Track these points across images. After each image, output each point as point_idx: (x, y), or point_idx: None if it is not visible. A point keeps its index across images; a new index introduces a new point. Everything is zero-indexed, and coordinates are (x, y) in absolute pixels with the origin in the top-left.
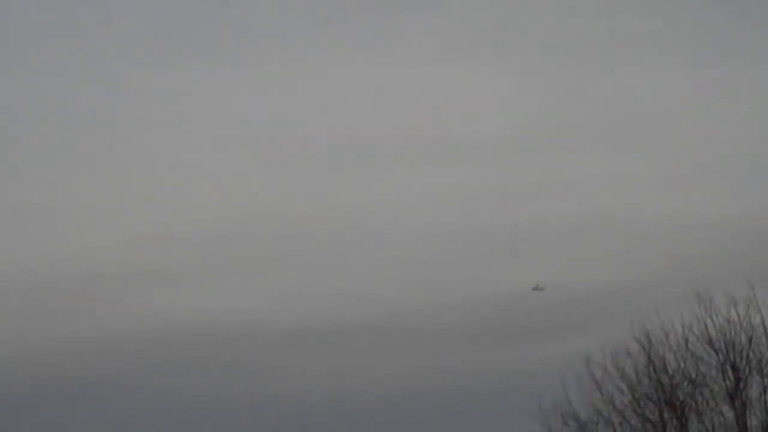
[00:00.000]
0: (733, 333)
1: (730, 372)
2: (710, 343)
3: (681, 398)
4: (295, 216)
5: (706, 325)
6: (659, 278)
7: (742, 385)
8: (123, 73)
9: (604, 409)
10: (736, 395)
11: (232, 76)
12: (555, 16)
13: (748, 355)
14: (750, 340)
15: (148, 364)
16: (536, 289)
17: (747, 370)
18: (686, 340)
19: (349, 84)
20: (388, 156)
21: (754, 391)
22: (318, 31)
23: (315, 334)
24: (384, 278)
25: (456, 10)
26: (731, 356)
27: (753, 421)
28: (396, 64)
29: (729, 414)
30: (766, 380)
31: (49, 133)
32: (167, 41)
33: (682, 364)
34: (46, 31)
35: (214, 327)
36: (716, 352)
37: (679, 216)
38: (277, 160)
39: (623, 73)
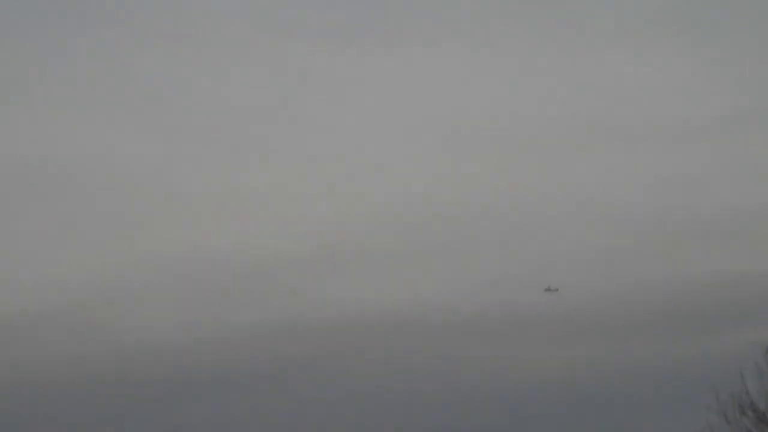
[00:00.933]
0: None
1: None
2: None
3: None
4: (477, 202)
5: None
6: None
7: None
8: (307, 62)
9: None
10: None
11: (416, 64)
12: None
13: None
14: None
15: (337, 350)
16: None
17: None
18: None
19: (536, 69)
20: (574, 141)
21: None
22: (495, 16)
23: (493, 321)
24: (566, 265)
25: None
26: None
27: None
28: (585, 47)
29: None
30: None
31: (242, 121)
32: (348, 29)
33: None
34: (233, 21)
35: (400, 314)
36: None
37: None
38: (459, 147)
39: None
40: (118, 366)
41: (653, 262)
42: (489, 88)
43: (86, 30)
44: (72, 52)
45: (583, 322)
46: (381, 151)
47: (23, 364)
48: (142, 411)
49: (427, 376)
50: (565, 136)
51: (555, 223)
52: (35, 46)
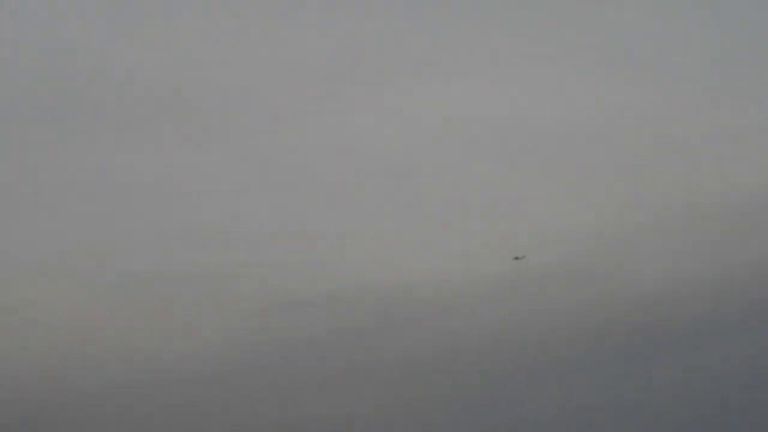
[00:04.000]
0: None
1: None
2: None
3: None
4: None
5: None
6: None
7: None
8: None
9: None
10: None
11: None
12: None
13: None
14: None
15: None
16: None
17: None
18: None
19: None
20: None
21: None
22: None
23: None
24: None
25: None
26: None
27: None
28: None
29: None
30: None
31: None
32: None
33: None
34: None
35: None
36: None
37: None
38: None
39: None
40: (618, 313)
41: None
42: None
43: None
44: None
45: None
46: None
47: (533, 312)
48: (648, 356)
49: None
50: None
51: None
52: None
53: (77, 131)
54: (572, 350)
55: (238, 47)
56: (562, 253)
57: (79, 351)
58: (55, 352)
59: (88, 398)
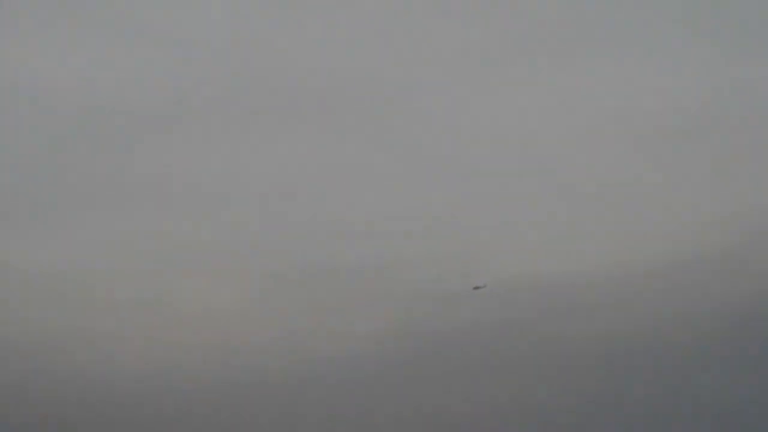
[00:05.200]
0: None
1: None
2: None
3: None
4: None
5: None
6: None
7: None
8: None
9: None
10: None
11: None
12: None
13: None
14: None
15: None
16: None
17: None
18: None
19: None
20: None
21: None
22: None
23: None
24: None
25: None
26: None
27: None
28: None
29: None
30: None
31: None
32: None
33: None
34: None
35: None
36: None
37: None
38: None
39: None
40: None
41: None
42: None
43: None
44: None
45: None
46: None
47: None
48: None
49: None
50: None
51: None
52: None
53: (244, 124)
54: (735, 345)
55: (385, 37)
56: (717, 242)
57: (239, 345)
58: (215, 347)
59: (254, 392)
